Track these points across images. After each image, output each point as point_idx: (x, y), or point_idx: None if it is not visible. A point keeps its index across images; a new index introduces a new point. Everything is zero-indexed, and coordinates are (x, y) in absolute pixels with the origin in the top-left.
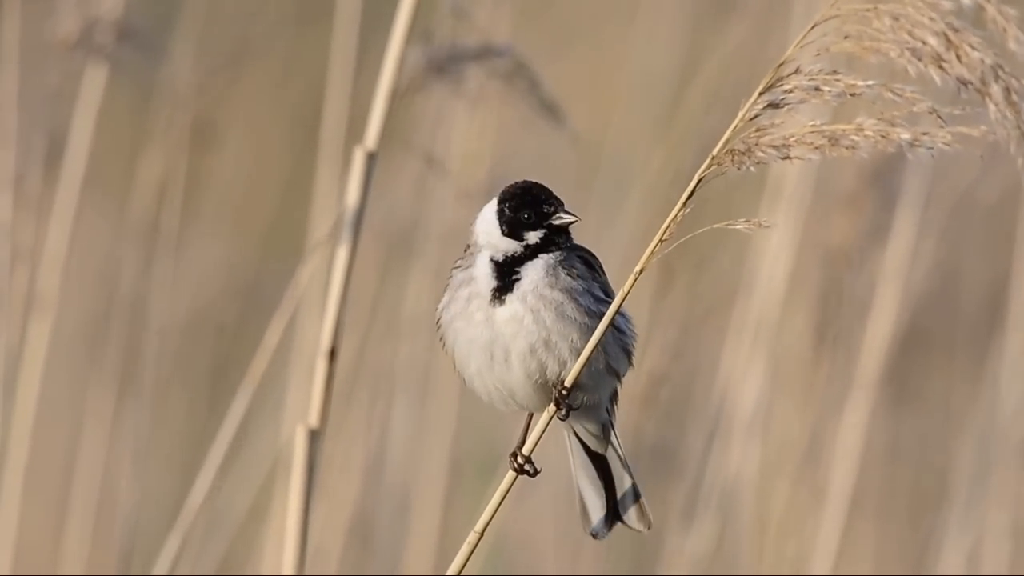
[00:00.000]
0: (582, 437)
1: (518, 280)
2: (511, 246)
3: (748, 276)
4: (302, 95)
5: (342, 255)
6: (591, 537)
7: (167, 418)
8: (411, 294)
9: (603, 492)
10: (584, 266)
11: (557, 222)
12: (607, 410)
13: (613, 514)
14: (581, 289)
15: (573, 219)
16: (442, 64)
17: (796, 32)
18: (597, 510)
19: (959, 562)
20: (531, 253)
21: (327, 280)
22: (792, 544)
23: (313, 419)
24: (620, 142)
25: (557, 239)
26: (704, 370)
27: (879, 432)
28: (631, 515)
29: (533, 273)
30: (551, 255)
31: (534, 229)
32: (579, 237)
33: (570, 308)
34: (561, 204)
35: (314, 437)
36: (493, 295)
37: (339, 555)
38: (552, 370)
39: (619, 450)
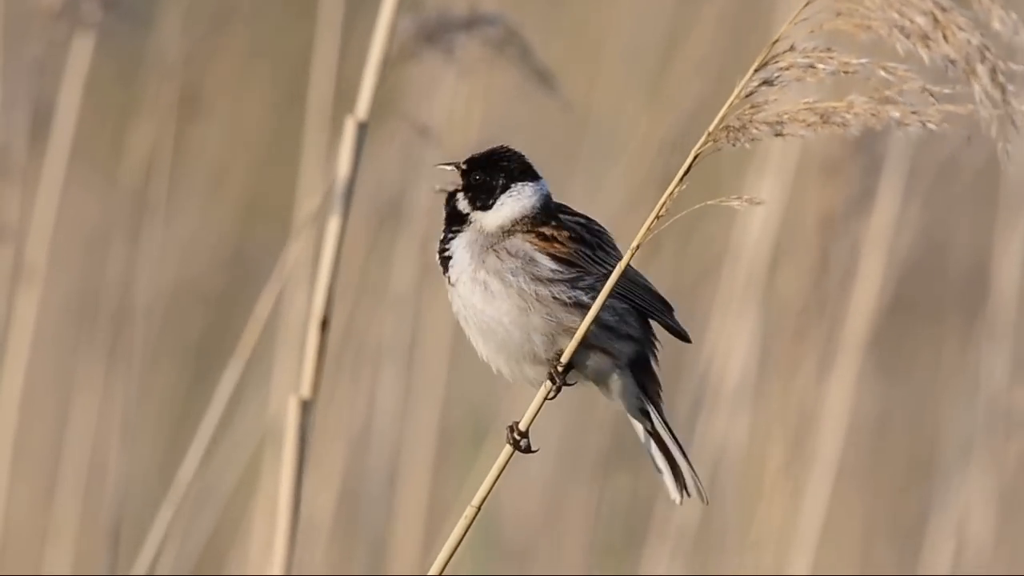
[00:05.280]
0: (632, 417)
1: (450, 257)
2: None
3: (735, 244)
4: (290, 64)
5: (333, 225)
6: (672, 501)
7: (156, 390)
8: (399, 264)
9: (668, 465)
10: (529, 240)
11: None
12: (639, 395)
13: (683, 485)
14: (515, 267)
15: (443, 187)
16: (432, 33)
17: (781, 4)
18: (668, 480)
19: (946, 529)
20: (449, 224)
21: (317, 251)
22: (780, 513)
23: (305, 389)
24: (607, 110)
25: (449, 207)
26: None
27: (866, 400)
28: (691, 489)
29: (458, 251)
30: (477, 229)
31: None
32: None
33: (498, 287)
34: (463, 163)
35: (306, 407)
36: (444, 273)
37: (328, 525)
38: (512, 347)
39: (666, 432)
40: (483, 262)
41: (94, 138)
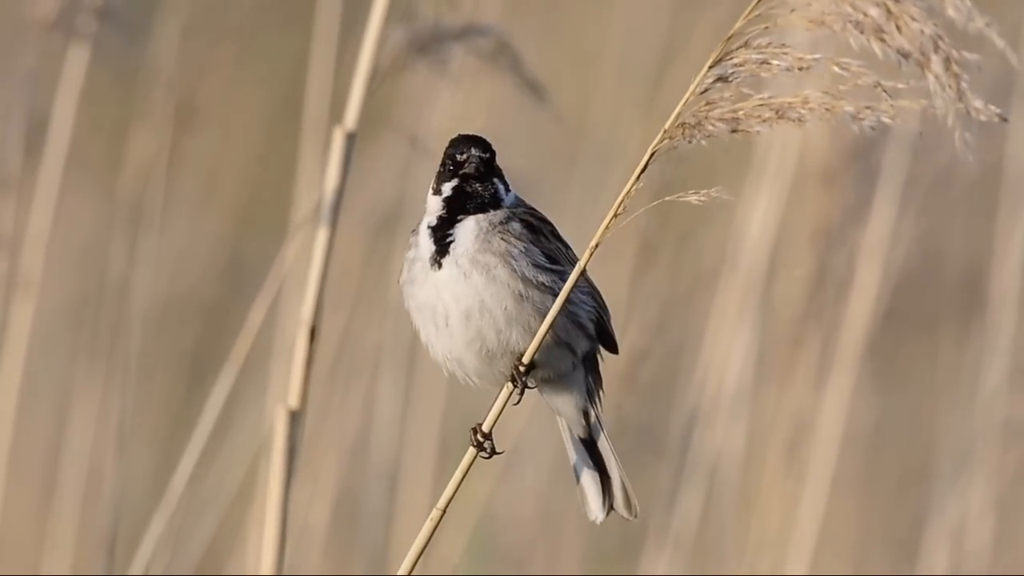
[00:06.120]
0: (567, 421)
1: (452, 242)
2: (435, 204)
3: (731, 253)
4: (286, 76)
5: (322, 235)
6: (592, 521)
7: (153, 397)
8: (396, 273)
9: (597, 477)
10: (525, 229)
11: (465, 169)
12: (586, 395)
13: (608, 499)
14: (517, 253)
15: (475, 162)
16: (425, 44)
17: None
18: (593, 495)
19: (942, 538)
20: (458, 211)
21: (309, 260)
22: (776, 520)
23: (293, 400)
24: (603, 121)
25: (471, 187)
26: (687, 348)
27: (862, 409)
28: (619, 502)
29: (464, 235)
30: (485, 216)
31: (449, 180)
32: (562, 215)
33: (502, 272)
34: (479, 149)
35: (295, 418)
36: (432, 259)
37: (326, 534)
38: (490, 338)
39: (604, 436)
40: (489, 243)
41: (89, 148)
